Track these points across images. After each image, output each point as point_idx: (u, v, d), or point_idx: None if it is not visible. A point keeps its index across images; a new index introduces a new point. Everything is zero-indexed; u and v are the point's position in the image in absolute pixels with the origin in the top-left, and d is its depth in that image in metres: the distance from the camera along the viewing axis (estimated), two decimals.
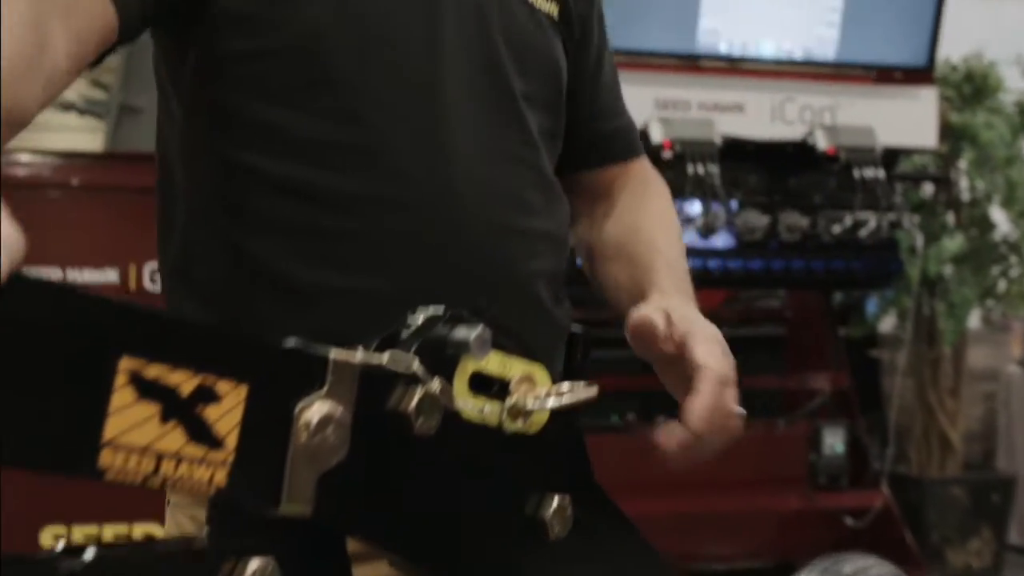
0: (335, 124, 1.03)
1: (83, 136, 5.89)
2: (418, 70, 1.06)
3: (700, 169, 3.48)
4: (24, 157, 3.90)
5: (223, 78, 1.04)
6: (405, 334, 0.78)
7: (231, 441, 0.67)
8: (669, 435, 0.95)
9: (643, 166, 1.33)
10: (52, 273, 4.15)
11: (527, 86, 1.14)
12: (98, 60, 0.97)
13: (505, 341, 0.81)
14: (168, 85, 1.11)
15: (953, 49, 4.35)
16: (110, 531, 3.17)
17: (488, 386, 0.81)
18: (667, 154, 3.48)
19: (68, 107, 4.67)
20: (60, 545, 0.64)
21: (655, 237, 1.22)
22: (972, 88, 4.21)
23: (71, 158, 3.96)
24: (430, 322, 0.78)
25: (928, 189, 4.23)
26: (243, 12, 1.03)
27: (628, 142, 1.32)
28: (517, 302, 1.08)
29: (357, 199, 1.03)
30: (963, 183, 4.27)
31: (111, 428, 0.62)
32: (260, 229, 1.04)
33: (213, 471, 0.66)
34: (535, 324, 1.09)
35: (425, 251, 1.05)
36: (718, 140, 3.54)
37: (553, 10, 1.18)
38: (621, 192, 1.29)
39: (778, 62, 3.66)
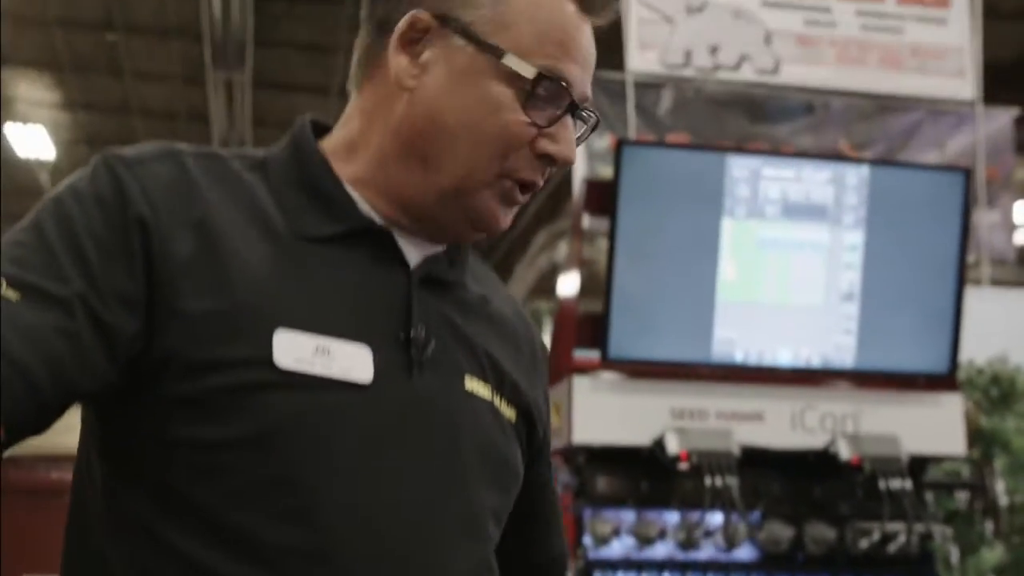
0: (289, 525, 0.96)
1: None
2: (383, 477, 0.99)
3: (719, 481, 3.38)
4: (40, 464, 3.90)
5: (164, 462, 0.97)
6: None
7: None
8: None
9: None
10: None
11: (491, 499, 1.07)
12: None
13: None
14: (92, 439, 1.03)
15: (978, 349, 4.31)
16: None
17: None
18: (683, 465, 3.39)
19: None
20: None
21: None
22: (999, 392, 4.14)
23: None
24: None
25: (962, 497, 4.08)
26: (197, 399, 0.96)
27: (566, 565, 1.28)
28: None
29: None
30: (999, 488, 4.13)
31: None
32: None
33: None
34: None
35: None
36: (736, 450, 3.46)
37: (512, 415, 1.13)
38: None
39: (796, 370, 3.61)
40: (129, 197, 0.98)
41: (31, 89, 10.87)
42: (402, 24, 1.04)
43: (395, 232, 1.07)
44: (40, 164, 11.87)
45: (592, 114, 1.08)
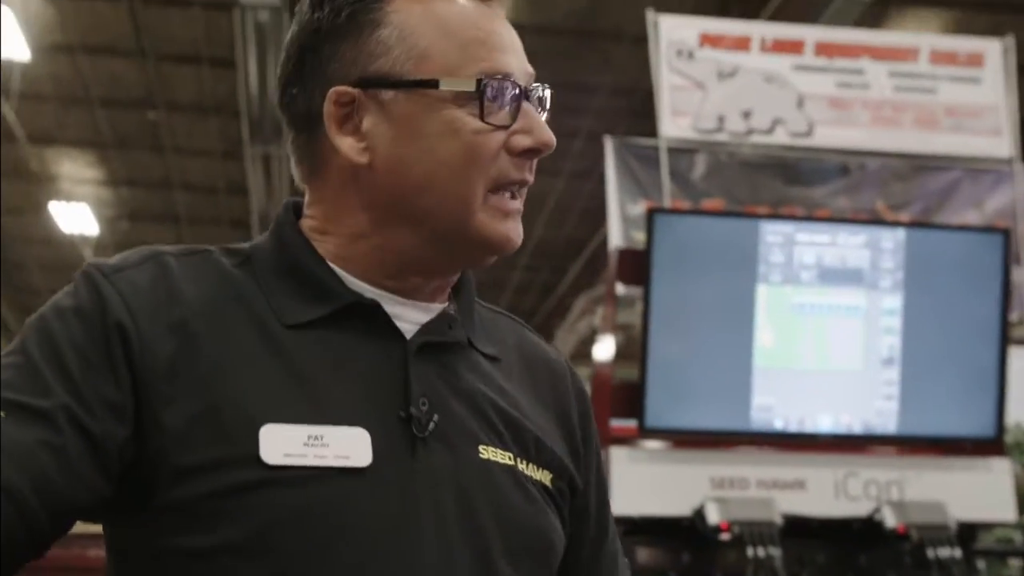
0: None
1: None
2: (394, 564, 0.95)
3: (761, 551, 3.32)
4: (76, 542, 3.90)
5: (166, 572, 0.95)
6: None
7: None
8: None
9: None
10: None
11: (518, 575, 1.01)
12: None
13: None
14: (107, 556, 1.01)
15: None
16: None
17: None
18: (725, 536, 3.33)
19: None
20: None
21: None
22: None
23: None
24: None
25: (1016, 564, 3.98)
26: (186, 506, 0.92)
27: None
28: None
29: None
30: None
31: None
32: None
33: None
34: None
35: None
36: (779, 519, 3.40)
37: (545, 478, 1.06)
38: None
39: (837, 437, 3.56)
40: (107, 305, 0.95)
41: (75, 167, 11.08)
42: (327, 107, 1.00)
43: (388, 302, 1.03)
44: (84, 240, 12.07)
45: (542, 86, 1.04)
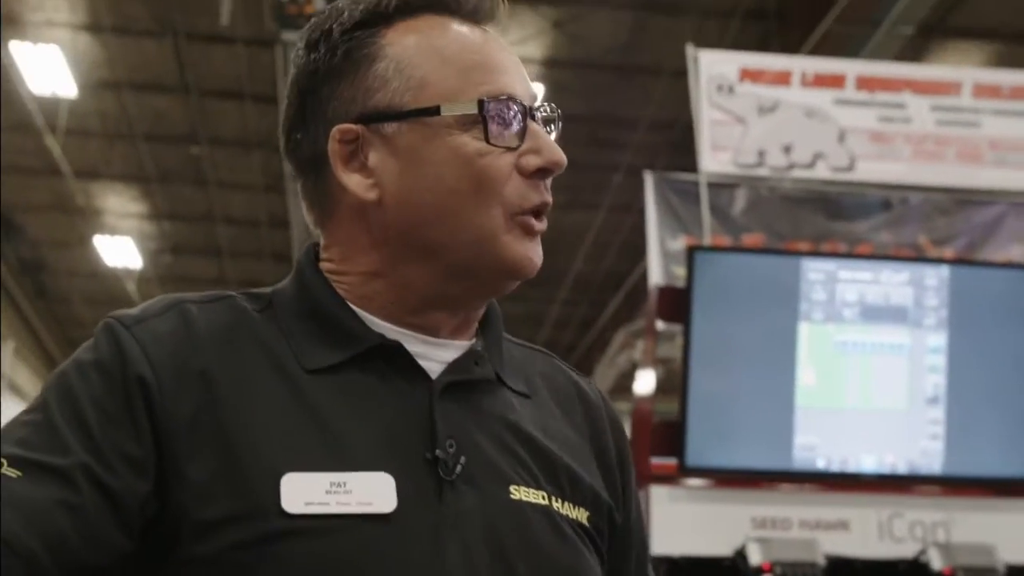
0: None
1: None
2: None
3: None
4: None
5: None
6: None
7: None
8: None
9: None
10: None
11: None
12: None
13: None
14: None
15: None
16: None
17: None
18: None
19: None
20: None
21: None
22: None
23: None
24: None
25: None
26: (211, 559, 0.91)
27: None
28: None
29: None
30: None
31: None
32: None
33: None
34: None
35: None
36: (822, 561, 3.35)
37: (582, 515, 1.03)
38: None
39: (881, 477, 3.51)
40: (128, 358, 0.94)
41: (119, 201, 11.23)
42: (332, 146, 0.99)
43: (411, 342, 1.00)
44: (128, 273, 12.21)
45: (548, 106, 1.02)
